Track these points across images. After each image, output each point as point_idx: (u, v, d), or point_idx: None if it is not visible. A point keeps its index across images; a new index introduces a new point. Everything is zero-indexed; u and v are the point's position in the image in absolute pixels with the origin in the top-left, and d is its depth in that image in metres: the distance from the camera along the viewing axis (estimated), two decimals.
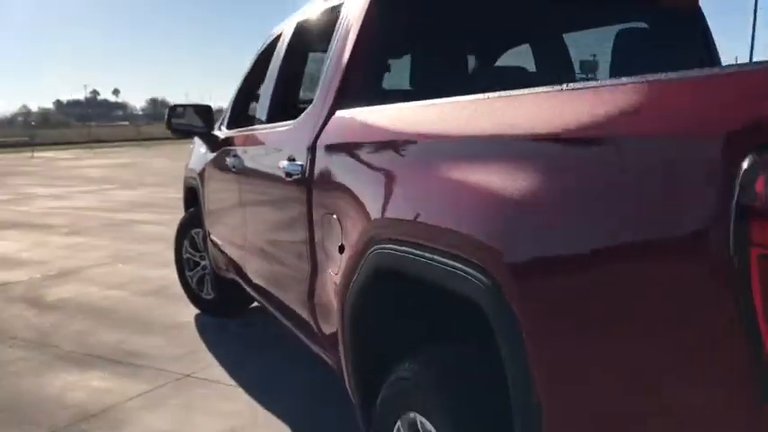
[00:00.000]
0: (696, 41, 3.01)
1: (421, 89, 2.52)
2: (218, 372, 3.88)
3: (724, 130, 0.95)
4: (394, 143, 1.95)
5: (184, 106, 4.24)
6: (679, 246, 1.02)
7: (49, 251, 7.56)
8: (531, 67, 3.54)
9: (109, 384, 3.71)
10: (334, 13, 2.76)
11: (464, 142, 1.60)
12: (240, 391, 3.60)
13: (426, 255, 1.62)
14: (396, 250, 1.78)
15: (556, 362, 1.25)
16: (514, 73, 3.05)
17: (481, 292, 1.39)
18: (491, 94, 1.54)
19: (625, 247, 1.12)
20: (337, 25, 2.67)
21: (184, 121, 4.17)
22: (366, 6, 2.48)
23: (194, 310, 5.03)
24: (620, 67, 2.86)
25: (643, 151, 1.09)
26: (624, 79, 1.17)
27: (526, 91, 1.41)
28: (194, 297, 5.07)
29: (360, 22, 2.48)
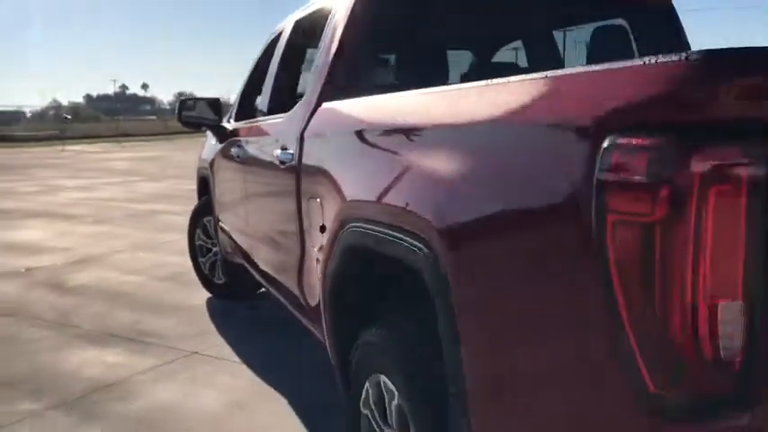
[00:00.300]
0: (670, 37, 3.17)
1: (404, 83, 2.71)
2: (225, 350, 4.12)
3: (591, 118, 1.14)
4: (362, 132, 2.16)
5: (195, 100, 4.47)
6: (560, 215, 1.21)
7: (73, 239, 7.88)
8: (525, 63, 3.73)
9: (122, 360, 3.96)
10: (326, 12, 2.96)
11: (411, 131, 1.81)
12: (244, 367, 3.83)
13: (385, 231, 1.82)
14: (363, 228, 1.98)
15: (476, 321, 1.45)
16: (500, 68, 3.23)
17: (424, 262, 1.59)
18: (432, 89, 1.74)
19: (522, 219, 1.31)
20: (327, 23, 2.87)
21: (195, 114, 4.40)
22: (351, 6, 2.68)
23: (206, 294, 5.28)
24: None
25: (537, 136, 1.28)
26: (528, 76, 1.36)
27: (458, 86, 1.61)
28: (206, 282, 5.33)
29: (345, 21, 2.68)
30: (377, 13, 2.70)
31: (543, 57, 3.64)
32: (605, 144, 1.09)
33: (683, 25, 3.18)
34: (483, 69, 3.44)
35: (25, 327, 4.62)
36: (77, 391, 3.52)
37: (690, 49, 3.20)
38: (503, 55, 3.88)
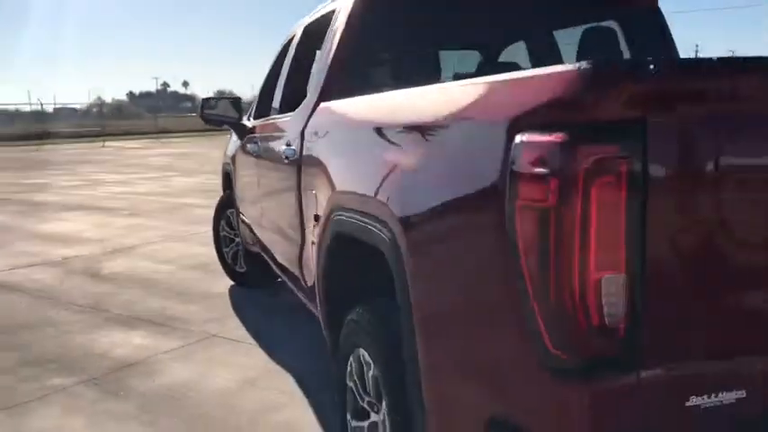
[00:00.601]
0: (656, 37, 3.31)
1: (397, 85, 2.92)
2: (242, 333, 4.38)
3: (507, 119, 1.33)
4: (345, 129, 2.39)
5: (216, 98, 4.74)
6: (486, 201, 1.40)
7: (109, 231, 8.26)
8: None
9: (147, 342, 4.25)
10: (328, 17, 3.18)
11: (379, 128, 2.03)
12: (258, 349, 4.08)
13: (360, 218, 2.04)
14: (345, 217, 2.20)
15: (423, 289, 1.67)
16: (497, 69, 3.41)
17: (385, 243, 1.81)
18: (398, 91, 1.95)
19: (457, 204, 1.52)
20: (329, 28, 3.09)
21: (216, 112, 4.66)
22: (349, 12, 2.90)
23: (230, 282, 5.56)
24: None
25: (469, 133, 1.48)
26: (465, 81, 1.57)
27: (414, 89, 1.83)
28: (230, 271, 5.61)
29: (343, 27, 2.90)
30: (373, 19, 2.91)
31: (544, 57, 3.80)
32: (516, 141, 1.29)
33: (688, 25, 3.31)
34: (479, 70, 3.62)
35: (59, 311, 4.95)
36: (104, 369, 3.81)
37: (675, 47, 3.35)
38: (505, 56, 4.05)
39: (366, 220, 1.98)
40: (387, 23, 2.99)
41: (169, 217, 9.22)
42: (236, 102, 4.75)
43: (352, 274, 2.37)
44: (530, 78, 1.34)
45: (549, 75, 1.28)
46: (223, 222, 5.67)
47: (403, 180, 1.75)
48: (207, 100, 4.71)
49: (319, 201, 2.60)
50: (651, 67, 1.17)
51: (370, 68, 3.09)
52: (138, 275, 5.98)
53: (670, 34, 3.34)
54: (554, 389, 1.27)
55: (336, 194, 2.34)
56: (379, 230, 1.86)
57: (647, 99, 1.17)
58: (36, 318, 4.80)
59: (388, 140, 1.96)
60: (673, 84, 1.19)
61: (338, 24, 2.97)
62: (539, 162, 1.23)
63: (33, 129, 37.47)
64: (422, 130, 1.72)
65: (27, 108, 41.77)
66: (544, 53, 3.85)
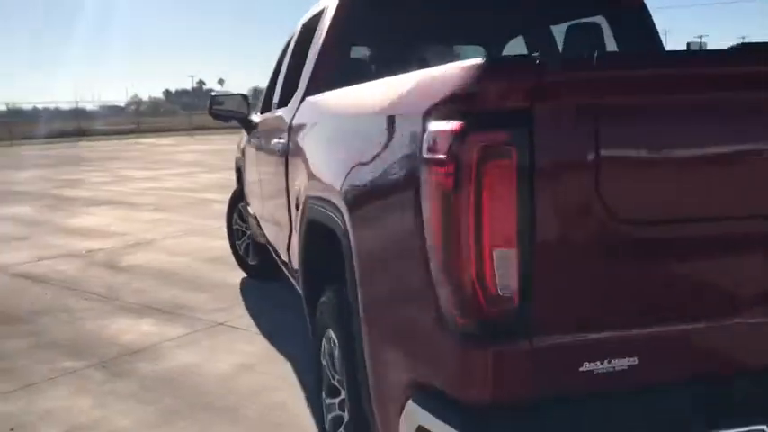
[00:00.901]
0: (642, 32, 3.38)
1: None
2: (247, 322, 4.55)
3: (421, 111, 1.46)
4: (317, 122, 2.53)
5: (225, 95, 4.91)
6: (408, 184, 1.53)
7: (133, 225, 8.53)
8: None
9: (155, 329, 4.45)
10: (318, 17, 3.32)
11: (333, 120, 2.17)
12: (261, 337, 4.25)
13: (323, 205, 2.18)
14: (314, 204, 2.34)
15: (364, 262, 1.82)
16: None
17: (336, 223, 1.95)
18: (353, 87, 2.09)
19: (387, 187, 1.65)
20: (318, 27, 3.23)
21: (224, 108, 4.82)
22: (333, 13, 3.03)
23: (242, 274, 5.74)
24: None
25: (397, 123, 1.61)
26: (393, 78, 1.70)
27: (359, 86, 1.97)
28: (242, 263, 5.79)
29: (328, 26, 3.04)
30: (356, 18, 3.05)
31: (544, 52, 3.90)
32: (427, 130, 1.41)
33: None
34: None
35: (77, 299, 5.18)
36: (113, 354, 4.01)
37: (660, 40, 3.43)
38: (507, 51, 4.15)
39: (328, 207, 2.12)
40: (370, 21, 3.12)
41: (191, 212, 9.46)
42: (243, 98, 4.91)
43: (324, 259, 2.51)
44: (440, 74, 1.46)
45: (453, 70, 1.39)
46: (235, 216, 5.85)
47: (349, 167, 1.89)
48: (215, 97, 4.87)
49: (300, 190, 2.74)
50: (537, 62, 1.28)
51: (353, 64, 3.22)
52: (155, 267, 6.20)
53: (655, 28, 3.41)
54: (458, 353, 1.39)
55: (309, 184, 2.48)
56: (335, 216, 1.99)
57: (533, 91, 1.28)
58: (55, 305, 5.04)
59: (342, 131, 2.11)
60: (556, 77, 1.30)
61: (324, 22, 3.11)
62: (440, 149, 1.35)
63: (72, 126, 38.38)
64: (363, 121, 1.86)
65: (67, 106, 42.67)
66: (541, 49, 3.94)
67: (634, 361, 1.40)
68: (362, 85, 2.08)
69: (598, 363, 1.38)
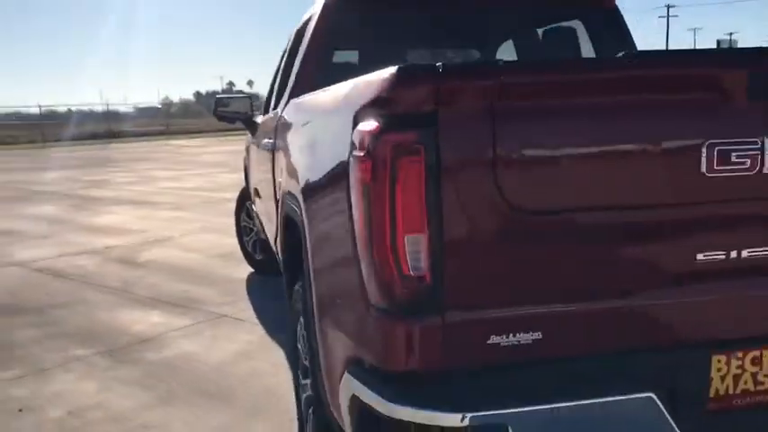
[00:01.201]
0: (615, 32, 3.52)
1: None
2: (249, 314, 4.77)
3: (353, 113, 1.64)
4: (291, 122, 2.73)
5: (229, 97, 5.13)
6: (344, 178, 1.70)
7: (152, 223, 8.82)
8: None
9: (162, 320, 4.69)
10: (307, 24, 3.52)
11: (301, 118, 2.37)
12: (260, 327, 4.47)
13: (291, 200, 2.38)
14: (288, 199, 2.54)
15: (315, 245, 2.01)
16: None
17: (297, 214, 2.14)
18: (318, 90, 2.29)
19: (330, 180, 1.84)
20: (304, 34, 3.43)
21: (229, 110, 5.04)
22: (317, 18, 3.23)
23: (249, 269, 5.97)
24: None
25: (339, 123, 1.79)
26: (342, 83, 1.89)
27: (330, 87, 2.16)
28: (249, 258, 6.02)
29: (312, 30, 3.23)
30: (337, 26, 3.24)
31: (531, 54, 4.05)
32: (354, 130, 1.60)
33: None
34: None
35: (92, 292, 5.45)
36: (121, 343, 4.25)
37: (632, 40, 3.57)
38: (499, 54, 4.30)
39: (293, 202, 2.31)
40: (352, 27, 3.31)
41: (208, 210, 9.73)
42: (246, 99, 5.12)
43: (298, 249, 2.71)
44: (370, 80, 1.64)
45: (377, 77, 1.57)
46: (243, 214, 6.09)
47: (306, 164, 2.09)
48: (220, 98, 5.09)
49: (280, 187, 2.94)
50: (440, 70, 1.45)
51: (337, 68, 3.40)
52: (168, 263, 6.46)
53: (627, 29, 3.55)
54: (378, 328, 1.57)
55: (285, 180, 2.67)
56: (296, 208, 2.19)
57: (437, 96, 1.46)
58: (71, 297, 5.31)
59: (303, 131, 2.32)
60: (458, 83, 1.47)
61: (309, 28, 3.30)
62: (362, 147, 1.53)
63: (103, 128, 39.16)
64: (318, 121, 2.06)
65: (99, 108, 43.57)
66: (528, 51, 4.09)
67: (538, 336, 1.57)
68: (326, 88, 2.26)
69: (504, 337, 1.55)
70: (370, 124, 1.53)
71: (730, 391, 1.71)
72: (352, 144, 1.59)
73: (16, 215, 10.03)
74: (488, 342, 1.55)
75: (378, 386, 1.58)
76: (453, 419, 1.50)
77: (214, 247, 7.10)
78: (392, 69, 1.50)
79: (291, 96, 3.21)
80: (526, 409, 1.52)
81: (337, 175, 1.75)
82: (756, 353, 1.71)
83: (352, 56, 3.71)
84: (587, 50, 3.61)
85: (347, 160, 1.63)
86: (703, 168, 1.55)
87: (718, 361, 1.69)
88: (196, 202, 10.61)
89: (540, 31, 4.15)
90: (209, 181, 13.96)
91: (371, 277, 1.56)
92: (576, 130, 1.53)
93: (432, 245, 1.50)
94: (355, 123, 1.61)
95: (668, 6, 63.57)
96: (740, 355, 1.70)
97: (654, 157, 1.56)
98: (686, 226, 1.61)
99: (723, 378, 1.70)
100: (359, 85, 1.72)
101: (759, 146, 1.57)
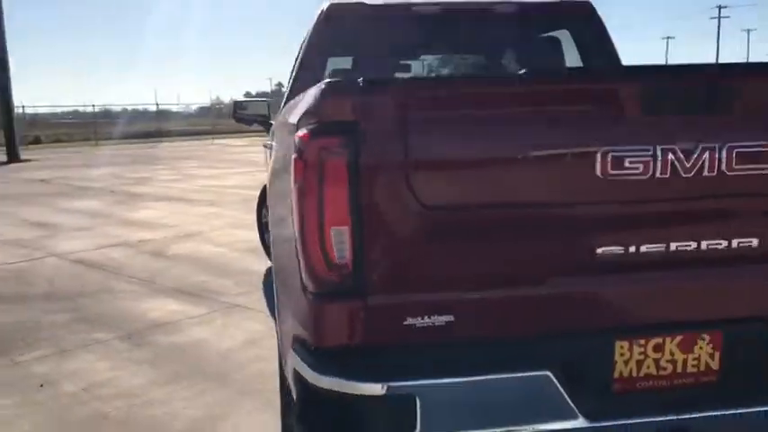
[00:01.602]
0: (597, 40, 3.69)
1: None
2: (260, 304, 5.05)
3: (297, 120, 1.87)
4: (275, 126, 2.98)
5: (248, 101, 5.42)
6: (290, 179, 1.94)
7: (185, 218, 9.22)
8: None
9: (180, 308, 5.00)
10: (306, 32, 3.78)
11: (276, 126, 2.61)
12: (269, 317, 4.74)
13: (269, 204, 2.63)
14: (267, 194, 2.79)
15: (274, 240, 2.25)
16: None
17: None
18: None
19: (282, 181, 2.07)
20: (304, 41, 3.69)
21: (247, 113, 5.33)
22: (312, 29, 3.48)
23: (267, 263, 6.24)
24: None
25: (290, 130, 2.03)
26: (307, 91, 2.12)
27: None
28: (268, 252, 6.30)
29: (307, 41, 3.49)
30: (331, 36, 3.49)
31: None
32: (294, 135, 1.83)
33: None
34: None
35: (120, 282, 5.82)
36: (139, 328, 4.58)
37: (613, 46, 3.72)
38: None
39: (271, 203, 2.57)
40: (344, 38, 3.55)
41: (242, 207, 10.09)
42: (263, 103, 5.41)
43: None
44: (309, 92, 1.88)
45: (314, 89, 1.81)
46: (264, 210, 6.38)
47: (271, 165, 2.34)
48: (239, 102, 5.39)
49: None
50: (361, 85, 1.68)
51: (331, 76, 3.65)
52: (195, 256, 6.81)
53: (608, 36, 3.71)
54: (309, 310, 1.81)
55: (266, 177, 2.94)
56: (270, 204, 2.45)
57: (358, 107, 1.68)
58: (100, 286, 5.68)
59: (276, 134, 2.56)
60: (375, 96, 1.70)
61: (306, 37, 3.56)
62: (297, 150, 1.77)
63: (153, 127, 40.20)
64: (280, 126, 2.31)
65: (152, 108, 44.68)
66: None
67: (450, 318, 1.78)
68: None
69: (419, 318, 1.76)
70: (303, 131, 1.76)
71: (634, 374, 1.89)
72: (293, 147, 1.83)
73: (61, 209, 10.56)
74: (405, 323, 1.76)
75: (311, 360, 1.81)
76: (370, 389, 1.72)
77: (240, 241, 7.43)
78: (322, 84, 1.73)
79: (287, 101, 3.46)
80: (433, 381, 1.73)
81: (287, 175, 1.99)
82: (659, 340, 1.89)
83: (346, 62, 3.95)
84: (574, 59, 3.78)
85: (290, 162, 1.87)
86: (598, 172, 1.74)
87: (621, 347, 1.87)
88: (232, 200, 11.00)
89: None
90: (249, 179, 14.34)
91: (304, 265, 1.79)
92: (480, 137, 1.73)
93: (354, 236, 1.72)
94: (297, 129, 1.84)
95: (719, 7, 61.93)
96: (642, 342, 1.88)
97: (552, 162, 1.75)
98: (585, 223, 1.81)
99: (627, 362, 1.88)
100: (303, 96, 1.96)
101: (651, 153, 1.75)
